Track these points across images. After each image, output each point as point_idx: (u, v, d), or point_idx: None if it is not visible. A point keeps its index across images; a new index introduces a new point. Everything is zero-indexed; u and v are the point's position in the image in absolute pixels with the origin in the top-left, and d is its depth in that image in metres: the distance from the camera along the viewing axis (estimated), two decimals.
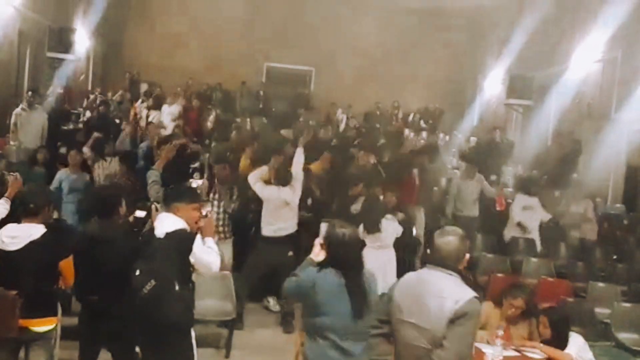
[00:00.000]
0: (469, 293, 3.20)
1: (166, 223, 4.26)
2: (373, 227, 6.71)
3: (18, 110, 10.00)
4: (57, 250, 4.40)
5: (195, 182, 6.23)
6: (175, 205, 4.33)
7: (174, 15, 17.74)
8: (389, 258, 6.89)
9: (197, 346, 4.36)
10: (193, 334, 4.31)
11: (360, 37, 17.74)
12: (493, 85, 16.39)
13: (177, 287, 4.10)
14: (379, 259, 6.44)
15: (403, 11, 17.36)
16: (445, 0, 16.23)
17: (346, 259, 3.72)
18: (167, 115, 12.47)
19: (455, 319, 3.14)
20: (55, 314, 4.47)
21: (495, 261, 8.13)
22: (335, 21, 17.68)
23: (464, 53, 17.72)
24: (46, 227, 4.44)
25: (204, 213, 4.44)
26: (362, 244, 3.90)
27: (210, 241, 4.33)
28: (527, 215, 8.45)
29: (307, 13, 17.69)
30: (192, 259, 4.20)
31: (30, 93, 10.20)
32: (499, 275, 7.56)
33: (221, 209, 7.06)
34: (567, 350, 4.74)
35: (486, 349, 4.68)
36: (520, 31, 13.85)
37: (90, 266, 4.37)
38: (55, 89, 12.20)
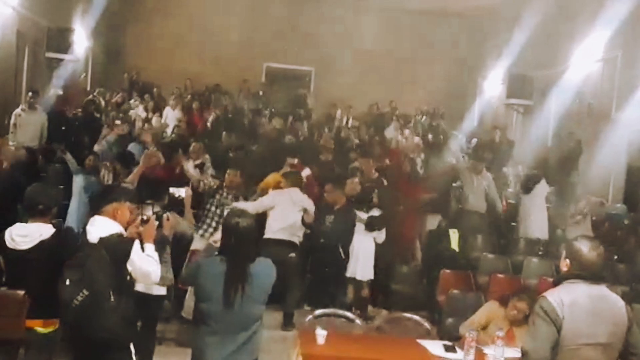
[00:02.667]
0: (618, 297, 3.54)
1: (100, 227, 4.01)
2: None
3: (18, 110, 9.99)
4: (65, 250, 4.30)
5: (178, 191, 5.61)
6: (109, 206, 4.10)
7: (173, 15, 17.66)
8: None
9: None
10: (132, 349, 4.02)
11: (361, 37, 17.69)
12: (493, 85, 16.36)
13: (112, 299, 3.84)
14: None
15: (404, 12, 17.31)
16: (446, 1, 16.19)
17: (234, 246, 3.74)
18: (171, 119, 12.50)
19: (630, 324, 3.47)
20: (57, 316, 4.33)
21: (496, 261, 8.12)
22: (336, 21, 17.62)
23: (464, 53, 17.68)
24: (54, 227, 4.39)
25: (144, 217, 4.15)
26: (255, 235, 3.89)
27: (151, 248, 4.05)
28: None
29: (306, 13, 17.64)
30: (129, 267, 3.93)
31: (30, 94, 10.18)
32: (500, 275, 7.56)
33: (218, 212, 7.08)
34: None
35: (487, 350, 4.66)
36: (520, 31, 13.81)
37: None
38: (54, 90, 12.16)
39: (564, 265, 3.58)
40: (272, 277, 3.88)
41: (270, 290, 3.85)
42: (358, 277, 7.46)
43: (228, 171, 7.62)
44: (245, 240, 3.79)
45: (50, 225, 4.36)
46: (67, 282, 3.79)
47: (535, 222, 8.68)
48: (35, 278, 4.24)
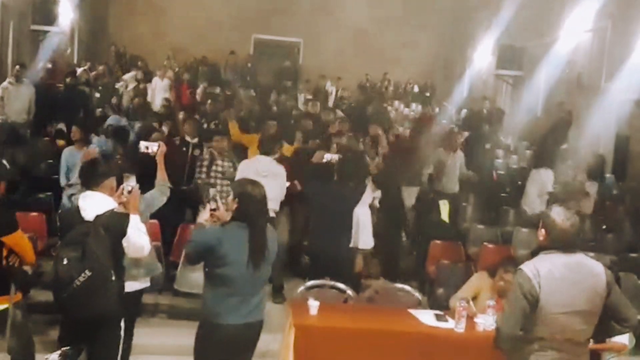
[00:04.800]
0: (599, 263, 3.64)
1: (94, 204, 3.96)
2: None
3: (5, 84, 9.86)
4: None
5: (149, 145, 4.96)
6: (107, 181, 4.09)
7: None
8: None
9: (188, 319, 4.27)
10: (122, 325, 4.06)
11: (349, 9, 17.55)
12: (483, 56, 16.31)
13: (113, 277, 3.84)
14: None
15: None
16: None
17: (252, 213, 3.93)
18: (160, 90, 12.39)
19: (610, 288, 3.55)
20: (7, 293, 4.28)
21: (485, 232, 8.16)
22: None
23: (453, 24, 17.58)
24: None
25: (128, 188, 3.98)
26: (266, 202, 4.06)
27: (137, 219, 3.99)
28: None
29: None
30: (125, 243, 3.92)
31: (18, 67, 10.05)
32: (490, 245, 7.59)
33: (225, 183, 7.03)
34: None
35: (477, 319, 4.71)
36: (510, 2, 13.74)
37: None
38: (41, 63, 12.01)
39: (540, 235, 3.64)
40: (276, 243, 4.13)
41: (274, 256, 4.08)
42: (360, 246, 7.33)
43: (215, 137, 7.56)
44: (262, 207, 4.00)
45: None
46: (65, 261, 3.71)
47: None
48: None
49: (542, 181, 8.10)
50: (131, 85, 12.60)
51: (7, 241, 4.21)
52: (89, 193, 4.07)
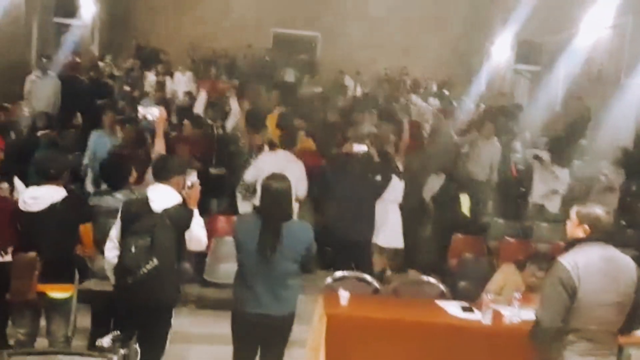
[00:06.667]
0: (628, 257, 3.74)
1: (163, 197, 4.14)
2: None
3: (32, 77, 10.01)
4: (77, 214, 4.46)
5: (149, 111, 5.02)
6: (176, 177, 4.24)
7: None
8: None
9: (218, 308, 4.43)
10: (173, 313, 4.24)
11: (367, 3, 17.57)
12: (501, 51, 16.30)
13: (176, 266, 4.08)
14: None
15: None
16: None
17: (266, 205, 4.09)
18: (181, 84, 12.52)
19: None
20: (72, 281, 4.48)
21: (506, 226, 8.24)
22: None
23: (472, 19, 17.57)
24: (67, 191, 4.50)
25: (188, 183, 4.21)
26: (290, 197, 4.18)
27: (196, 213, 4.22)
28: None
29: None
30: (187, 236, 4.12)
31: (44, 60, 10.20)
32: (510, 240, 7.68)
33: None
34: None
35: (504, 310, 4.81)
36: None
37: None
38: (64, 56, 12.17)
39: (580, 230, 3.74)
40: (306, 238, 4.13)
41: (304, 251, 4.09)
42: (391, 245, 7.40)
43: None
44: (277, 201, 4.06)
45: (62, 189, 4.46)
46: (133, 250, 3.92)
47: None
48: (47, 241, 4.34)
49: (552, 178, 8.24)
50: (152, 79, 12.76)
51: (82, 229, 4.43)
52: (158, 186, 4.23)
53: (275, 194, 4.06)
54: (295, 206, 6.43)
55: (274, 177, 4.19)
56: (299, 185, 6.78)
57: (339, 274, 5.57)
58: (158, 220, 4.02)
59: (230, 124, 9.39)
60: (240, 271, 4.12)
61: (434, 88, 15.28)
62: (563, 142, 9.68)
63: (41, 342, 4.58)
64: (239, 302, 4.12)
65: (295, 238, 4.06)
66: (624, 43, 11.20)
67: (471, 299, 5.31)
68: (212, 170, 8.13)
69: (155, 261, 3.90)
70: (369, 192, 6.61)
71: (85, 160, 7.68)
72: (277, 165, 6.54)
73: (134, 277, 3.90)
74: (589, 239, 3.68)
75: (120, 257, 3.99)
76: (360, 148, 6.66)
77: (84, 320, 4.82)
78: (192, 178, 4.28)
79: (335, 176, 6.85)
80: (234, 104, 9.53)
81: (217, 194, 7.67)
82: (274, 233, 3.98)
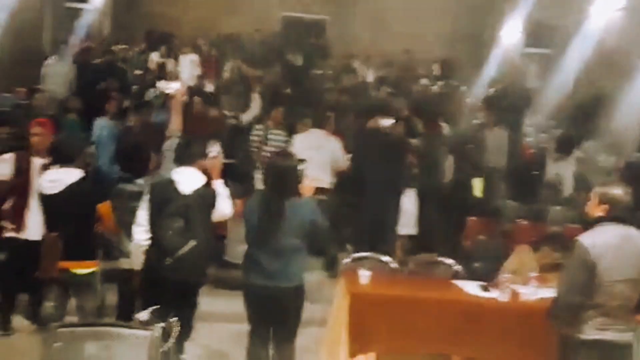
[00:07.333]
0: None
1: (190, 179, 4.26)
2: None
3: (50, 61, 10.11)
4: (94, 194, 4.61)
5: (167, 85, 5.20)
6: (201, 160, 4.36)
7: None
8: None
9: (235, 288, 4.53)
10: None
11: None
12: (511, 34, 16.23)
13: (209, 246, 4.27)
14: None
15: None
16: None
17: (270, 182, 4.23)
18: (188, 66, 12.53)
19: None
20: (94, 258, 4.66)
21: (519, 209, 8.30)
22: None
23: (481, 1, 17.46)
24: (84, 172, 4.65)
25: (212, 154, 4.38)
26: (294, 175, 4.23)
27: (220, 184, 4.40)
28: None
29: None
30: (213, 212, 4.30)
31: (61, 44, 10.29)
32: (524, 222, 7.74)
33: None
34: None
35: (522, 289, 4.89)
36: None
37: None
38: (77, 40, 12.22)
39: (600, 210, 3.83)
40: (309, 215, 4.21)
41: (308, 226, 4.19)
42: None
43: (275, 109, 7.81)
44: (280, 178, 4.17)
45: (79, 170, 4.61)
46: (170, 232, 4.05)
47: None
48: (67, 221, 4.50)
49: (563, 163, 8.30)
50: (156, 60, 12.75)
51: (100, 209, 4.55)
52: (183, 169, 4.34)
53: (279, 170, 4.18)
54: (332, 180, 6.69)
55: (279, 154, 4.40)
56: (338, 158, 7.04)
57: (356, 254, 5.65)
58: (190, 201, 4.14)
59: (246, 118, 9.45)
60: (249, 247, 4.28)
61: (441, 72, 15.24)
62: (572, 130, 9.72)
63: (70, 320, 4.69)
64: (247, 276, 4.28)
65: (298, 214, 4.16)
66: (636, 26, 11.16)
67: (486, 279, 5.39)
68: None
69: (193, 242, 4.04)
70: (398, 175, 6.73)
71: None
72: (314, 143, 6.76)
73: (172, 258, 4.04)
74: (608, 218, 3.81)
75: (154, 239, 4.11)
76: (387, 122, 6.78)
77: (113, 299, 4.95)
78: (216, 148, 4.42)
79: (367, 150, 6.98)
80: (256, 99, 9.58)
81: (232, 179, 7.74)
82: (277, 209, 4.10)
